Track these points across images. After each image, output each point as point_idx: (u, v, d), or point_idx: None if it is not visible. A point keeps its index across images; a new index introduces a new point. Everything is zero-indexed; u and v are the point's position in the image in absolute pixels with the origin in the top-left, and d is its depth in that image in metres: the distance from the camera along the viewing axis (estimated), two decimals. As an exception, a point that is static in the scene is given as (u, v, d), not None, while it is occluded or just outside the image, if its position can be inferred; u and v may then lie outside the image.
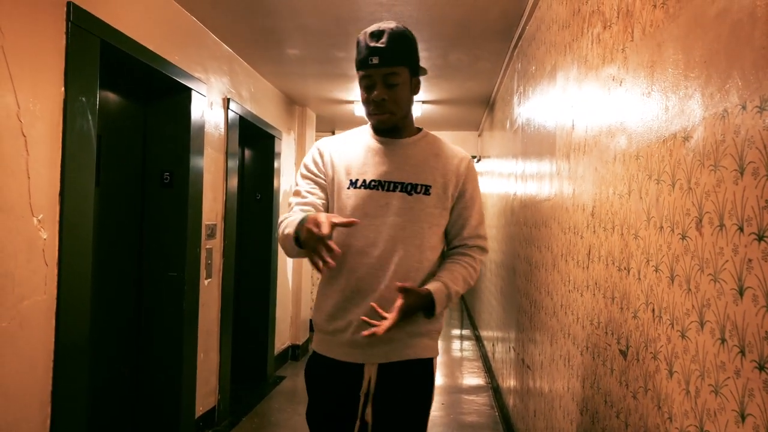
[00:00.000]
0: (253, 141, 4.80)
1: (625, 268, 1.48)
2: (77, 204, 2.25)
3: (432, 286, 1.61)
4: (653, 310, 1.28)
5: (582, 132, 1.94)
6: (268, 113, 4.77)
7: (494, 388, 4.67)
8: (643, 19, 1.37)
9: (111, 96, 2.92)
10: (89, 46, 2.31)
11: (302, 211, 1.61)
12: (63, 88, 2.17)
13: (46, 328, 2.11)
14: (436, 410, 4.25)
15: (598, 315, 1.71)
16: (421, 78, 1.72)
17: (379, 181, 1.65)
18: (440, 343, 6.74)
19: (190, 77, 3.21)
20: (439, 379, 5.21)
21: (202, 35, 3.43)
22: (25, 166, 1.99)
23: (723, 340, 0.97)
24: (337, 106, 5.66)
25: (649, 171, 1.32)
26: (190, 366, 3.28)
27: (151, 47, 2.79)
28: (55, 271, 2.15)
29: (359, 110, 5.42)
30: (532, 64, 2.95)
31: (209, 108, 3.51)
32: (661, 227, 1.24)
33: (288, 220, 1.58)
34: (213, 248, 3.59)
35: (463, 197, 1.71)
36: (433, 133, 1.79)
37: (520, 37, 3.28)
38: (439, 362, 5.82)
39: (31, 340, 2.03)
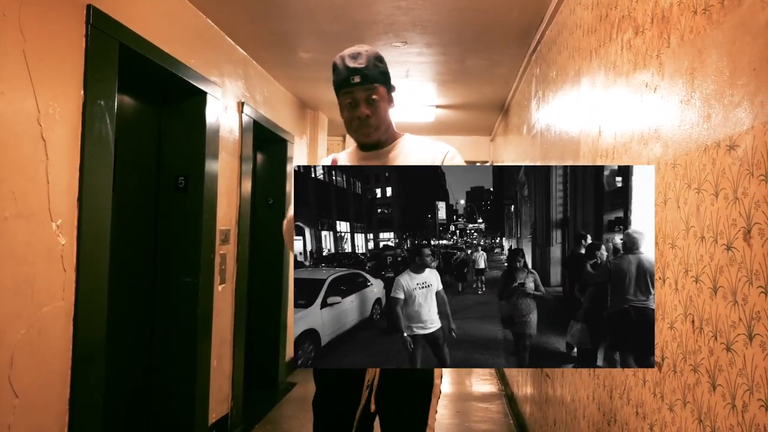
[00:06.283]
0: (266, 145, 4.78)
1: (660, 278, 1.45)
2: (95, 209, 2.23)
3: None
4: (693, 321, 1.25)
5: (610, 138, 1.90)
6: (281, 117, 4.76)
7: (508, 396, 4.62)
8: (681, 25, 1.34)
9: (126, 99, 2.91)
10: (108, 49, 2.29)
11: None
12: (82, 92, 2.15)
13: (64, 335, 2.09)
14: (449, 418, 4.21)
15: (628, 325, 1.68)
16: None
17: None
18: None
19: (206, 81, 3.20)
20: (450, 387, 5.16)
21: (217, 38, 3.42)
22: (45, 171, 1.97)
23: (777, 356, 0.94)
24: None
25: (688, 180, 1.28)
26: (204, 373, 3.25)
27: (168, 50, 2.78)
28: (73, 277, 2.13)
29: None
30: (553, 69, 2.92)
31: (224, 112, 3.50)
32: (703, 237, 1.21)
33: None
34: (227, 253, 3.56)
35: None
36: (413, 135, 1.92)
37: (539, 42, 3.25)
38: (450, 369, 5.78)
39: (50, 347, 2.01)
